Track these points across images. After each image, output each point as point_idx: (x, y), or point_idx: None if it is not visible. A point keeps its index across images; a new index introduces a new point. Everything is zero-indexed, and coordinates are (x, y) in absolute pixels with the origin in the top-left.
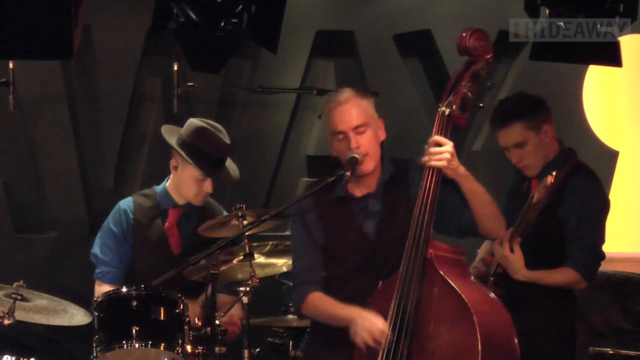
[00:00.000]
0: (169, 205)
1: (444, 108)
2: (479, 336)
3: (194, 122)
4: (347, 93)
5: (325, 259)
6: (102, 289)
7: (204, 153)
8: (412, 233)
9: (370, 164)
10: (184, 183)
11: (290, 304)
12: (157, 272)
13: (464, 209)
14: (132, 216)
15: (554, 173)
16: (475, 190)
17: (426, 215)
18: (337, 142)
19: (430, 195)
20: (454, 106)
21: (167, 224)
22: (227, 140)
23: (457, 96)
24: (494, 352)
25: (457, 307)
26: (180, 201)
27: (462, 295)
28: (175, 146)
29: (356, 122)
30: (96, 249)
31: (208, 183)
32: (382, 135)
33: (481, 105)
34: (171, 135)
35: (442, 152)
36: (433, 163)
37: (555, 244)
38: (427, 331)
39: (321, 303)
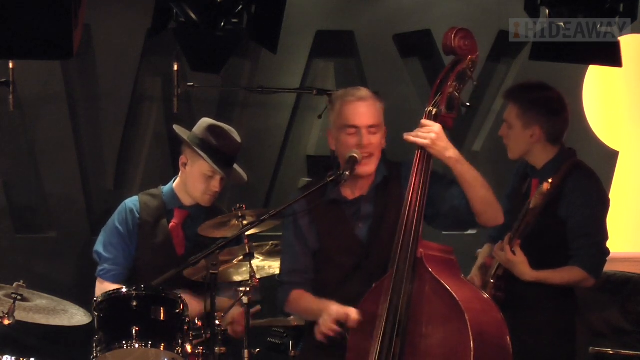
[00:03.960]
0: (175, 206)
1: (430, 108)
2: (471, 334)
3: (206, 120)
4: (365, 91)
5: (319, 262)
6: (104, 287)
7: (216, 148)
8: (401, 233)
9: (372, 166)
10: (192, 180)
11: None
12: (161, 273)
13: (459, 200)
14: (138, 215)
15: (550, 180)
16: (467, 174)
17: (415, 215)
18: (345, 136)
19: (419, 194)
20: (441, 106)
21: (172, 224)
22: (239, 140)
23: (444, 96)
24: (486, 350)
25: (449, 305)
26: (187, 202)
27: (454, 294)
28: (188, 141)
29: (371, 121)
30: (99, 247)
31: (216, 181)
32: (384, 144)
33: (468, 104)
34: (183, 133)
35: (428, 130)
36: (419, 140)
37: (557, 244)
38: (420, 330)
39: (300, 300)
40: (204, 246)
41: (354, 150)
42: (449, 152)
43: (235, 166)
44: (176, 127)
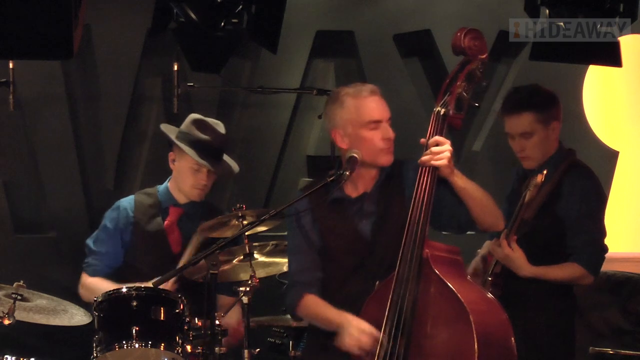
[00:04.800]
0: (170, 204)
1: (439, 108)
2: (475, 336)
3: (192, 115)
4: (373, 86)
5: (321, 261)
6: (84, 279)
7: (200, 141)
8: (407, 233)
9: (392, 156)
10: (181, 175)
11: (284, 308)
12: (157, 271)
13: (461, 206)
14: (132, 214)
15: (544, 172)
16: (468, 187)
17: (422, 215)
18: (367, 132)
19: (426, 194)
20: (449, 106)
21: (166, 222)
22: (223, 131)
23: (453, 96)
24: (491, 351)
25: (454, 307)
26: (181, 200)
27: (459, 295)
28: (172, 137)
29: (389, 114)
30: (90, 240)
31: (203, 174)
32: None
33: (477, 104)
34: (170, 130)
35: (443, 151)
36: (434, 162)
37: (555, 242)
38: (424, 331)
39: (314, 306)
40: (202, 245)
41: (354, 150)
42: (454, 170)
43: (226, 157)
44: (163, 126)
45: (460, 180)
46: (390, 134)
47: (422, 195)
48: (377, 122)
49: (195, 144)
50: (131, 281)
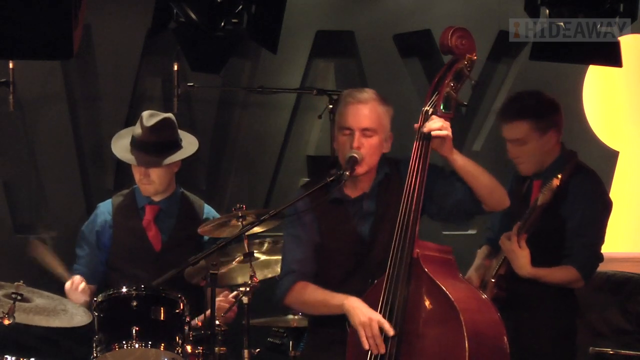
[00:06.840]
0: (146, 203)
1: (427, 107)
2: (466, 334)
3: None
4: (369, 93)
5: (320, 260)
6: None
7: (135, 137)
8: (397, 233)
9: (363, 168)
10: None
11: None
12: (141, 270)
13: (463, 193)
14: (110, 217)
15: (559, 176)
16: (467, 165)
17: (411, 216)
18: (341, 137)
19: (415, 195)
20: (437, 106)
21: (144, 221)
22: (150, 123)
23: (440, 95)
24: (482, 350)
25: (444, 306)
26: (156, 197)
27: (449, 294)
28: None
29: (366, 124)
30: (76, 246)
31: (140, 168)
32: (387, 148)
33: (465, 103)
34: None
35: (442, 125)
36: (441, 132)
37: (557, 243)
38: (415, 331)
39: (310, 291)
40: (182, 241)
41: (354, 150)
42: (453, 149)
43: (187, 140)
44: (123, 131)
45: (460, 159)
46: (356, 144)
47: (410, 197)
48: (349, 130)
49: (131, 141)
50: (115, 282)
